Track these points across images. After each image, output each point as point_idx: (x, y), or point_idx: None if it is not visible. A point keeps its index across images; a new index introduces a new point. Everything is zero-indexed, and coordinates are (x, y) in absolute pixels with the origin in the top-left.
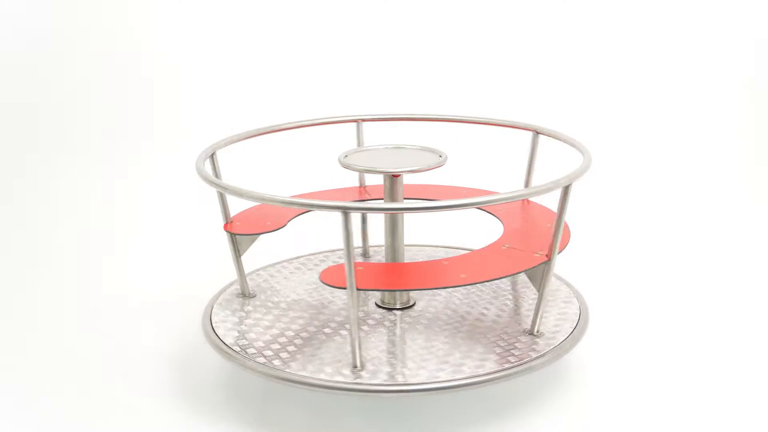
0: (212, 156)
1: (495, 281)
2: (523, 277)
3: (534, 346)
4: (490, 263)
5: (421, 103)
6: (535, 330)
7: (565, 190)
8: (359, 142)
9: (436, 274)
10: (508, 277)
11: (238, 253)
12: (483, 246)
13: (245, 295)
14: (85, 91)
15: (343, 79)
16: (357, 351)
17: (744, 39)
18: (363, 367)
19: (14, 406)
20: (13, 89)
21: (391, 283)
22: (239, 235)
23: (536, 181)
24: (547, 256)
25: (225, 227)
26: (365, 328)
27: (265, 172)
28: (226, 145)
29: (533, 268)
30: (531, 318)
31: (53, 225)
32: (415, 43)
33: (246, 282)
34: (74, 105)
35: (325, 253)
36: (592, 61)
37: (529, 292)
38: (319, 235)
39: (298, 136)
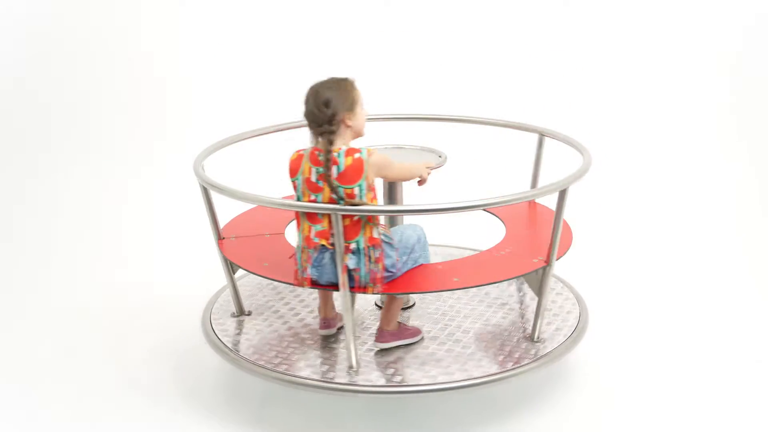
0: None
1: (500, 284)
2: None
3: (534, 348)
4: (485, 268)
5: (422, 103)
6: (536, 336)
7: (562, 194)
8: None
9: (428, 277)
10: (513, 280)
11: (231, 270)
12: (486, 248)
13: (241, 314)
14: (85, 93)
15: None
16: (353, 352)
17: (744, 40)
18: (359, 367)
19: (14, 405)
20: (20, 91)
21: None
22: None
23: (542, 182)
24: (545, 261)
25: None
26: (365, 327)
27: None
28: (215, 150)
29: (530, 273)
30: (532, 323)
31: (54, 225)
32: (416, 43)
33: (241, 301)
34: (76, 106)
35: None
36: (592, 62)
37: (532, 294)
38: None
39: (296, 136)
